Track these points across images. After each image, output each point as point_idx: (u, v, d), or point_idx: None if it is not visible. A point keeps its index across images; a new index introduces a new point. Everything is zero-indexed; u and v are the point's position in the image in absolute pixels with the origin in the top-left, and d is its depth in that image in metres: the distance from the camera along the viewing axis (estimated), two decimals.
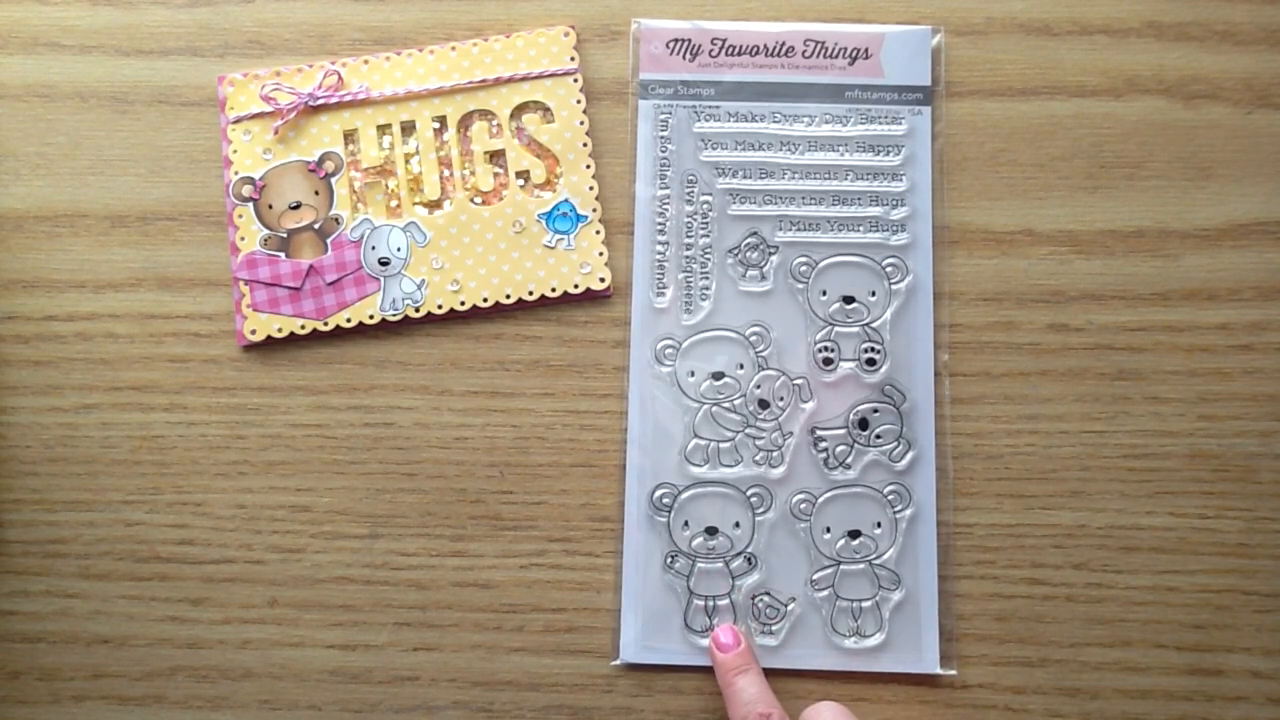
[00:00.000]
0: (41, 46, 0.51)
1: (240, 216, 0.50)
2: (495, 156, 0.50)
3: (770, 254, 0.49)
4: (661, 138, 0.50)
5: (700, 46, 0.50)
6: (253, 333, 0.49)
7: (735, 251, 0.49)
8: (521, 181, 0.50)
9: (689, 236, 0.49)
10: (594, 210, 0.50)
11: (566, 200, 0.50)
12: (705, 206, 0.49)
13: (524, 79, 0.50)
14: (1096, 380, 0.49)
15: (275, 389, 0.49)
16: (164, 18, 0.51)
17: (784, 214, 0.49)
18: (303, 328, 0.49)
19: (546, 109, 0.50)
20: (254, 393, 0.49)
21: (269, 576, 0.48)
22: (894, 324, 0.49)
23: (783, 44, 0.50)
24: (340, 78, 0.50)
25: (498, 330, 0.49)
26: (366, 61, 0.51)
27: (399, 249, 0.49)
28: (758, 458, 0.48)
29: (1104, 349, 0.49)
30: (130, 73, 0.51)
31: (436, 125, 0.50)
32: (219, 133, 0.51)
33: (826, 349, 0.48)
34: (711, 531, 0.47)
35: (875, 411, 0.48)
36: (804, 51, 0.50)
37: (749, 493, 0.48)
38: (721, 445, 0.48)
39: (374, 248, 0.49)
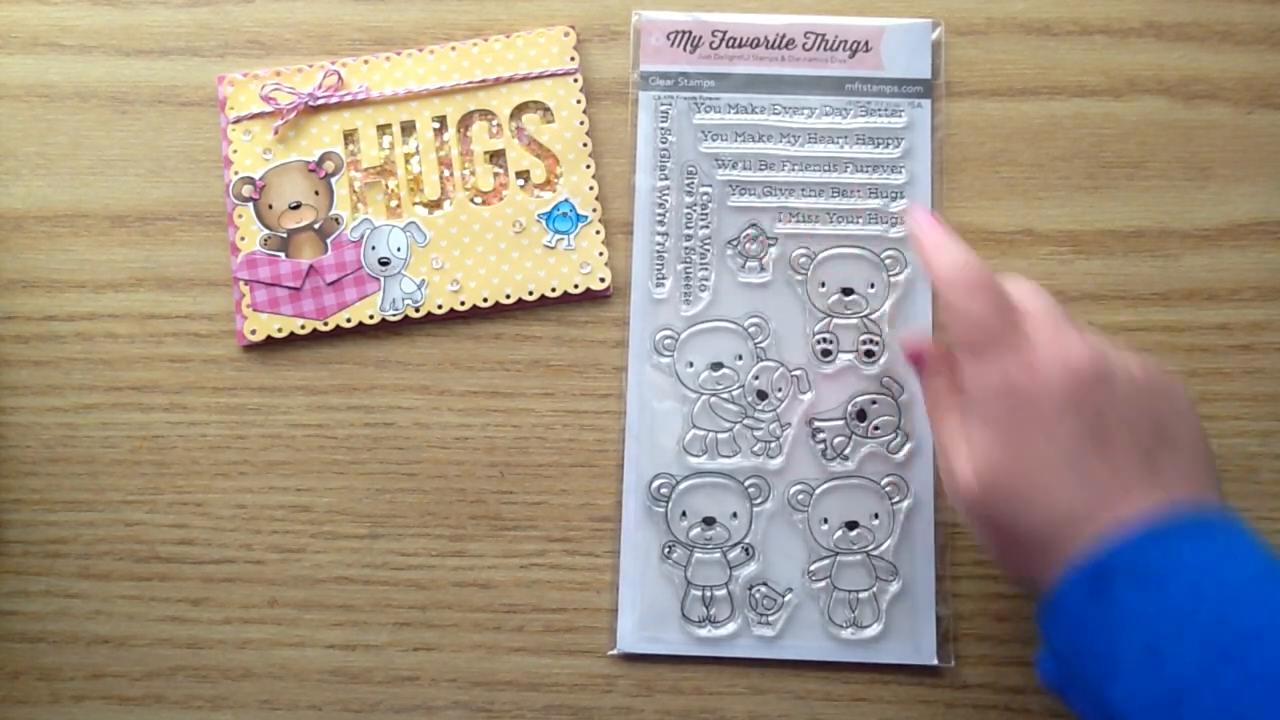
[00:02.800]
0: (41, 46, 0.51)
1: (240, 216, 0.50)
2: (495, 156, 0.50)
3: (769, 245, 0.49)
4: (661, 129, 0.50)
5: (701, 39, 0.50)
6: (253, 333, 0.49)
7: (735, 243, 0.49)
8: (521, 181, 0.50)
9: (688, 228, 0.49)
10: (594, 210, 0.50)
11: (566, 200, 0.50)
12: (705, 198, 0.49)
13: (524, 79, 0.50)
14: None
15: (275, 389, 0.49)
16: (164, 18, 0.51)
17: (783, 206, 0.49)
18: (303, 328, 0.49)
19: (546, 109, 0.50)
20: (254, 393, 0.49)
21: (269, 576, 0.48)
22: (893, 316, 0.49)
23: (783, 36, 0.50)
24: (340, 78, 0.50)
25: (498, 330, 0.49)
26: (366, 61, 0.51)
27: (399, 249, 0.49)
28: (755, 448, 0.48)
29: None
30: (130, 73, 0.51)
31: (436, 125, 0.50)
32: (219, 133, 0.51)
33: (825, 340, 0.48)
34: (709, 522, 0.47)
35: (874, 403, 0.48)
36: (804, 44, 0.50)
37: (747, 483, 0.48)
38: (720, 436, 0.48)
39: (374, 248, 0.49)
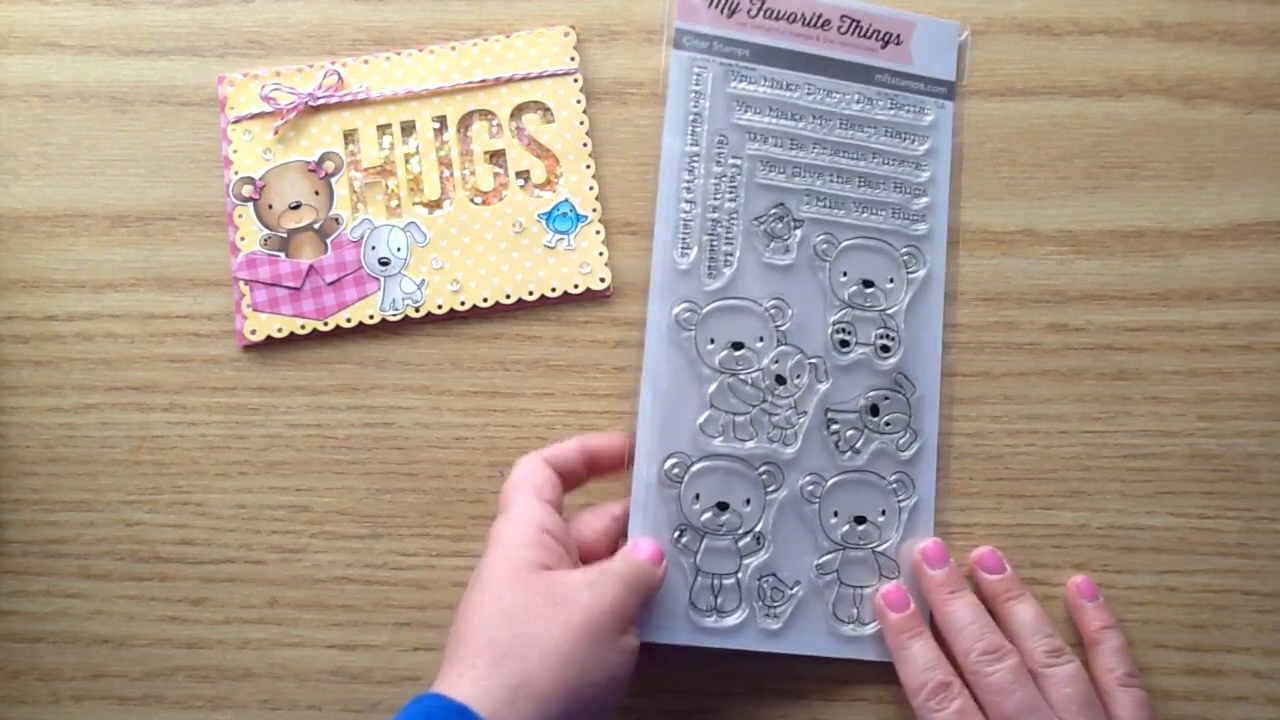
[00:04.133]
0: (41, 46, 0.51)
1: (240, 216, 0.50)
2: (495, 156, 0.50)
3: (795, 227, 0.48)
4: (695, 91, 0.49)
5: (739, 4, 0.49)
6: (253, 333, 0.49)
7: (761, 220, 0.48)
8: (521, 181, 0.50)
9: (715, 198, 0.48)
10: (594, 210, 0.50)
11: (566, 200, 0.50)
12: (734, 170, 0.48)
13: (524, 79, 0.50)
14: (1096, 380, 0.49)
15: (275, 389, 0.49)
16: (164, 18, 0.51)
17: (811, 188, 0.49)
18: (303, 328, 0.49)
19: (546, 109, 0.50)
20: (254, 393, 0.49)
21: (269, 576, 0.48)
22: (909, 313, 0.49)
23: (819, 15, 0.50)
24: (340, 78, 0.50)
25: (498, 330, 0.49)
26: (366, 61, 0.51)
27: (399, 249, 0.49)
28: (772, 434, 0.47)
29: (1104, 349, 0.49)
30: (130, 73, 0.51)
31: (436, 125, 0.50)
32: (219, 133, 0.51)
33: (844, 331, 0.48)
34: (723, 507, 0.47)
35: (886, 399, 0.48)
36: (839, 27, 0.50)
37: (760, 470, 0.47)
38: (737, 419, 0.47)
39: (374, 248, 0.49)
